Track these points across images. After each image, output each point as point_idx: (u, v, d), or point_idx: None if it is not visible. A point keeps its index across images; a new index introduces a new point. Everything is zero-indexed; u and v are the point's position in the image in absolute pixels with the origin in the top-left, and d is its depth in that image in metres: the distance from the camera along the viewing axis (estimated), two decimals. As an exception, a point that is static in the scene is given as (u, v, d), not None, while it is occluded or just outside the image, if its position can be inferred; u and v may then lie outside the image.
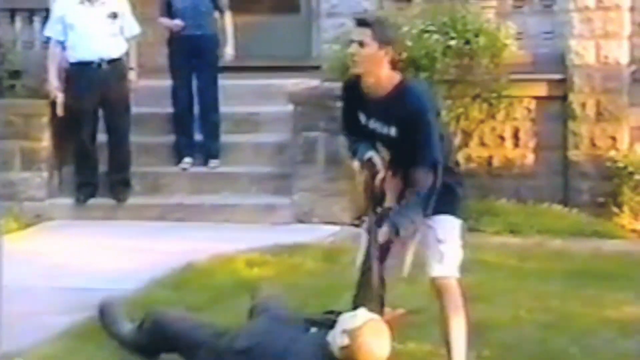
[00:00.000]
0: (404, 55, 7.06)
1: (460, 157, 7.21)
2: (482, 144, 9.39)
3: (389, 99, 4.69)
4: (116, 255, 7.58)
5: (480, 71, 8.85)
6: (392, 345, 4.54)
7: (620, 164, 8.94)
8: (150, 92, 9.41)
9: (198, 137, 9.44)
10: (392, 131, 4.68)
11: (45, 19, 9.36)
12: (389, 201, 4.81)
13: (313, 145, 8.80)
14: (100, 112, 9.06)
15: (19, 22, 9.83)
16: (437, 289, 4.83)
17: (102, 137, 9.12)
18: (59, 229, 8.78)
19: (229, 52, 9.42)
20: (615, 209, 8.86)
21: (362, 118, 4.79)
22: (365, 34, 4.67)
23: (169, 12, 9.32)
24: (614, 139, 9.17)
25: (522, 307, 6.11)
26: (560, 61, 9.28)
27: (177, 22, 9.23)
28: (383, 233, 4.70)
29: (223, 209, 8.87)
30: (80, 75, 8.87)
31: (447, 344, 4.86)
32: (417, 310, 5.24)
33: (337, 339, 4.49)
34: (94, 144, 9.10)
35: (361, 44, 4.67)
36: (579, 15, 9.19)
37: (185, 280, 6.72)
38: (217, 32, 9.39)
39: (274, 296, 5.33)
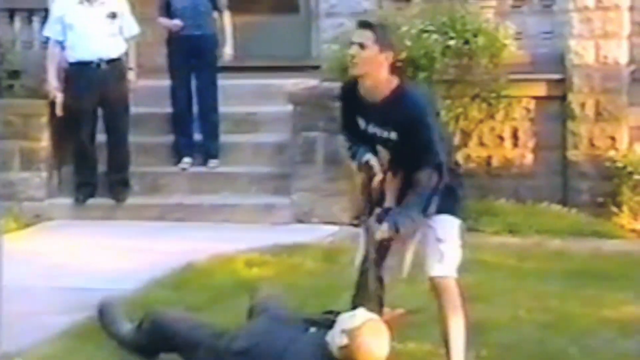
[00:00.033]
0: (403, 57, 7.07)
1: (459, 157, 7.21)
2: (481, 143, 9.39)
3: (386, 104, 4.70)
4: (115, 255, 7.58)
5: (480, 71, 8.85)
6: (391, 345, 4.54)
7: (620, 164, 8.94)
8: (149, 92, 9.41)
9: (197, 137, 9.44)
10: (392, 135, 4.70)
11: (45, 19, 9.36)
12: (389, 202, 4.82)
13: (312, 145, 8.81)
14: (100, 112, 9.06)
15: (18, 22, 9.83)
16: (436, 289, 4.83)
17: (101, 137, 9.12)
18: (58, 229, 8.78)
19: (227, 52, 9.42)
20: (614, 209, 8.86)
21: (361, 123, 4.80)
22: (367, 37, 4.68)
23: (168, 12, 9.32)
24: (613, 138, 9.17)
25: (521, 307, 6.11)
26: (559, 61, 9.28)
27: (176, 22, 9.23)
28: (383, 231, 4.70)
29: (222, 209, 8.87)
30: (79, 75, 8.87)
31: (446, 343, 4.87)
32: (416, 310, 5.23)
33: (336, 338, 4.49)
34: (93, 144, 9.10)
35: (362, 46, 4.67)
36: (578, 15, 9.19)
37: (185, 280, 6.72)
38: (216, 32, 9.39)
39: (273, 296, 5.33)
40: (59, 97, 8.89)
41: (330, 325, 4.57)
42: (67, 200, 9.16)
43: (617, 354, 5.41)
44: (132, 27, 9.10)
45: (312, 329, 4.72)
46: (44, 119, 9.22)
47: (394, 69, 4.72)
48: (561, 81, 9.28)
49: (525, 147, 9.40)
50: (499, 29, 9.00)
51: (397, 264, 4.94)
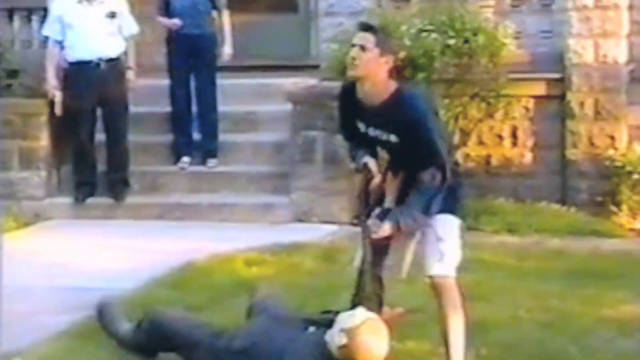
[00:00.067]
0: (403, 58, 7.07)
1: (458, 156, 7.22)
2: (481, 143, 9.39)
3: (385, 107, 4.71)
4: (115, 254, 7.58)
5: (479, 70, 8.85)
6: (391, 344, 4.54)
7: (619, 163, 8.94)
8: (148, 91, 9.41)
9: (196, 136, 9.44)
10: (392, 137, 4.71)
11: (44, 18, 9.35)
12: (389, 202, 4.82)
13: (312, 145, 8.80)
14: (99, 112, 9.05)
15: (17, 21, 9.82)
16: (436, 288, 4.83)
17: (100, 136, 9.12)
18: (57, 228, 8.77)
19: (227, 51, 9.42)
20: (613, 208, 8.86)
21: (361, 126, 4.81)
22: (368, 40, 4.70)
23: (167, 11, 9.32)
24: (612, 138, 9.17)
25: (520, 306, 6.12)
26: (558, 60, 9.28)
27: (176, 21, 9.23)
28: (385, 228, 4.71)
29: (222, 208, 8.87)
30: (78, 74, 8.87)
31: (445, 342, 4.87)
32: (416, 309, 5.24)
33: (335, 338, 4.49)
34: (92, 143, 9.09)
35: (363, 48, 4.68)
36: (577, 14, 9.19)
37: (184, 279, 6.72)
38: (215, 31, 9.39)
39: (272, 295, 5.33)
40: (58, 97, 8.89)
41: (329, 324, 4.57)
42: (66, 200, 9.15)
43: (616, 353, 5.41)
44: (132, 27, 9.09)
45: (312, 329, 4.72)
46: (43, 118, 9.21)
47: (393, 73, 4.73)
48: (560, 80, 9.28)
49: (525, 146, 9.40)
50: (498, 28, 9.00)
51: (396, 263, 4.94)
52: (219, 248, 7.41)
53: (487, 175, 9.25)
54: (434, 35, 8.75)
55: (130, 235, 8.25)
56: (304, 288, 6.38)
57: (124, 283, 6.53)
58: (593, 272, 6.98)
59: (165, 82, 9.41)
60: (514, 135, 9.41)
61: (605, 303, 6.24)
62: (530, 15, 9.54)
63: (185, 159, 9.32)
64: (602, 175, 9.05)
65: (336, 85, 7.69)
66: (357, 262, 4.92)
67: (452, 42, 8.73)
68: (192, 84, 9.34)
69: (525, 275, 6.97)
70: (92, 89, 8.83)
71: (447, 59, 8.73)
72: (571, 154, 9.23)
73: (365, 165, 4.81)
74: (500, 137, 9.41)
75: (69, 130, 9.06)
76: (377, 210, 4.79)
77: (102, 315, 5.27)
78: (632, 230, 8.75)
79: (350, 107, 4.85)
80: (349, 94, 4.84)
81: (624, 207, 8.85)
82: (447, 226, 4.84)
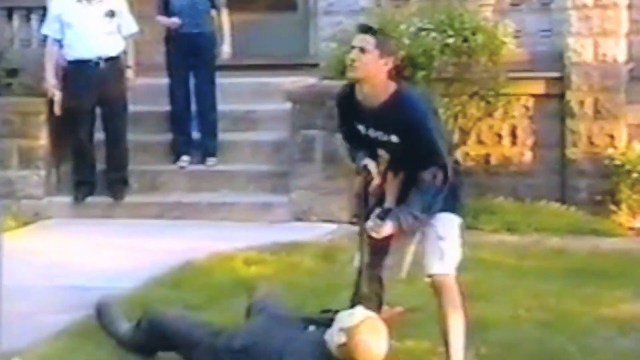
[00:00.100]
0: (402, 58, 7.09)
1: (458, 155, 7.21)
2: (480, 142, 9.39)
3: (385, 108, 4.72)
4: (114, 253, 7.57)
5: (478, 69, 8.86)
6: (390, 343, 4.54)
7: (618, 162, 8.94)
8: (147, 90, 9.40)
9: (196, 135, 9.44)
10: (393, 138, 4.72)
11: (43, 17, 9.35)
12: (389, 202, 4.83)
13: (311, 143, 8.80)
14: (98, 111, 9.05)
15: (16, 20, 9.82)
16: (436, 287, 4.83)
17: (99, 135, 9.12)
18: (56, 227, 8.77)
19: (226, 50, 9.42)
20: (613, 207, 8.86)
21: (361, 128, 4.82)
22: (368, 41, 4.71)
23: (166, 10, 9.32)
24: (611, 136, 9.17)
25: (520, 305, 6.12)
26: (558, 59, 9.28)
27: (175, 20, 9.23)
28: (386, 227, 4.71)
29: (221, 207, 8.87)
30: (77, 73, 8.86)
31: (445, 341, 4.87)
32: (415, 308, 5.24)
33: (334, 337, 4.49)
34: (91, 142, 9.09)
35: (362, 50, 4.69)
36: (576, 13, 9.19)
37: (183, 278, 6.72)
38: (214, 30, 9.39)
39: (271, 295, 5.33)
40: (57, 96, 8.88)
41: (329, 323, 4.57)
42: (65, 199, 9.15)
43: (615, 352, 5.41)
44: (131, 26, 9.09)
45: (311, 328, 4.72)
46: (42, 117, 9.20)
47: (393, 74, 4.74)
48: (560, 79, 9.28)
49: (524, 145, 9.40)
50: (498, 27, 9.00)
51: (397, 263, 4.94)
52: (218, 247, 7.40)
53: (486, 174, 9.24)
54: (433, 34, 8.75)
55: (130, 234, 8.25)
56: (304, 287, 6.38)
57: (124, 282, 6.53)
58: (592, 271, 6.98)
59: (165, 81, 9.40)
60: (513, 134, 9.41)
61: (605, 302, 6.24)
62: (529, 14, 9.54)
63: (185, 158, 9.32)
64: (602, 174, 9.05)
65: (335, 84, 7.71)
66: (356, 262, 4.92)
67: (451, 41, 8.73)
68: (192, 82, 9.34)
69: (524, 274, 6.97)
70: (92, 88, 8.83)
71: (447, 57, 8.73)
72: (570, 153, 9.23)
73: (365, 167, 4.82)
74: (499, 136, 9.41)
75: (68, 129, 9.06)
76: (377, 210, 4.79)
77: (101, 314, 5.27)
78: (631, 229, 8.75)
79: (349, 109, 4.86)
80: (348, 96, 4.85)
81: (624, 206, 8.85)
82: (448, 225, 4.84)
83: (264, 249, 7.46)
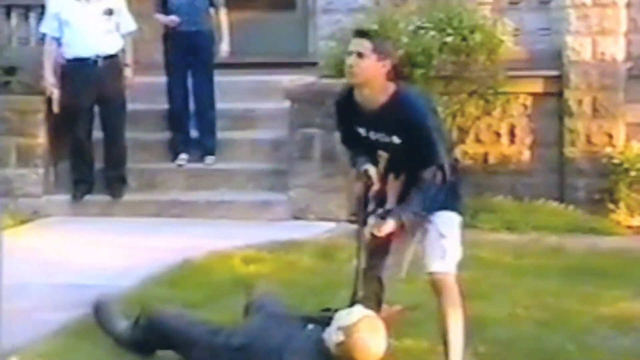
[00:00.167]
0: (400, 56, 7.09)
1: (456, 153, 7.21)
2: (478, 140, 9.39)
3: (385, 109, 4.72)
4: (112, 252, 7.57)
5: (477, 68, 8.86)
6: (389, 342, 4.54)
7: (616, 161, 8.95)
8: (146, 88, 9.39)
9: (194, 133, 9.43)
10: (395, 139, 4.73)
11: (41, 15, 9.34)
12: (390, 204, 4.83)
13: (309, 142, 8.80)
14: (96, 109, 9.04)
15: (14, 19, 9.81)
16: (436, 285, 4.82)
17: (98, 133, 9.11)
18: (55, 225, 8.77)
19: (224, 48, 9.42)
20: (611, 206, 8.87)
21: (361, 131, 4.82)
22: (365, 46, 4.71)
23: (165, 8, 9.31)
24: (610, 135, 9.18)
25: (518, 304, 6.12)
26: (556, 58, 9.29)
27: (173, 18, 9.22)
28: (387, 225, 4.71)
29: (219, 205, 8.86)
30: (76, 71, 8.85)
31: (444, 340, 4.86)
32: (414, 307, 5.23)
33: (332, 335, 4.50)
34: (89, 140, 9.08)
35: (360, 55, 4.69)
36: (575, 11, 9.20)
37: (182, 277, 6.71)
38: (212, 28, 9.38)
39: (270, 293, 5.33)
40: (56, 94, 8.87)
41: (327, 322, 4.57)
42: (64, 197, 9.14)
43: (614, 351, 5.41)
44: (129, 24, 9.08)
45: (310, 326, 4.72)
46: (41, 116, 9.19)
47: (391, 74, 4.74)
48: (558, 78, 9.29)
49: (522, 143, 9.41)
50: (496, 26, 9.01)
51: (396, 262, 4.94)
52: (217, 245, 7.40)
53: (484, 172, 9.25)
54: (431, 32, 8.75)
55: (128, 232, 8.24)
56: (302, 285, 6.38)
57: (122, 280, 6.52)
58: (591, 269, 6.98)
59: (163, 79, 9.40)
60: (511, 132, 9.41)
61: (603, 301, 6.24)
62: (528, 12, 9.54)
63: (183, 156, 9.32)
64: (600, 173, 9.06)
65: (334, 82, 7.73)
66: (355, 261, 4.91)
67: (450, 39, 8.74)
68: (190, 81, 9.33)
69: (523, 272, 6.97)
70: (90, 86, 8.82)
71: (445, 56, 8.74)
72: (569, 151, 9.24)
73: (366, 172, 4.82)
74: (498, 134, 9.41)
75: (66, 127, 9.05)
76: (379, 211, 4.79)
77: (99, 312, 5.26)
78: (629, 227, 8.77)
79: (349, 113, 4.87)
80: (347, 100, 4.86)
81: (622, 204, 8.86)
82: (449, 223, 4.84)
83: (262, 247, 7.45)
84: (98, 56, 8.83)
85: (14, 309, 5.55)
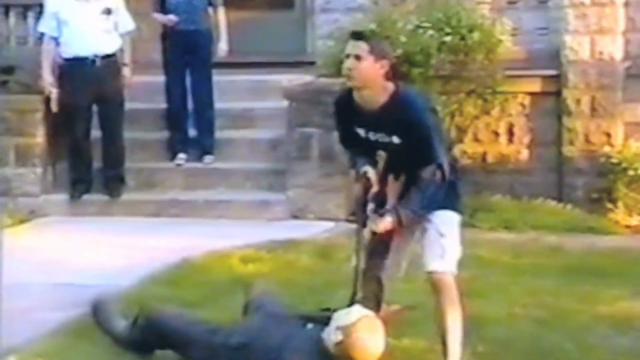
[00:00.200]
0: (398, 56, 7.09)
1: (455, 152, 7.22)
2: (477, 139, 9.39)
3: (385, 110, 4.73)
4: (110, 251, 7.57)
5: (475, 67, 8.86)
6: (387, 341, 4.54)
7: (615, 160, 8.96)
8: (144, 88, 9.38)
9: (192, 133, 9.43)
10: (395, 139, 4.73)
11: (39, 14, 9.34)
12: (390, 205, 4.82)
13: (308, 141, 8.80)
14: (95, 108, 9.04)
15: (12, 18, 9.81)
16: (434, 284, 4.82)
17: (96, 133, 9.10)
18: (53, 225, 8.76)
19: (222, 47, 9.41)
20: (609, 205, 8.87)
21: (361, 132, 4.82)
22: (362, 48, 4.72)
23: (163, 7, 9.31)
24: (608, 135, 9.19)
25: (516, 303, 6.12)
26: (555, 57, 9.29)
27: (171, 17, 9.21)
28: (386, 221, 4.71)
29: (218, 205, 8.86)
30: (74, 71, 8.85)
31: (443, 339, 4.86)
32: (412, 307, 5.24)
33: (331, 335, 4.50)
34: (88, 139, 9.07)
35: (358, 57, 4.70)
36: (573, 11, 9.20)
37: (180, 276, 6.71)
38: (210, 27, 9.38)
39: (269, 293, 5.33)
40: (54, 93, 8.87)
41: (326, 322, 4.57)
42: (62, 196, 9.14)
43: (612, 350, 5.41)
44: (127, 23, 9.08)
45: (309, 325, 4.72)
46: (39, 115, 9.19)
47: (390, 74, 4.75)
48: (556, 77, 9.29)
49: (521, 143, 9.41)
50: (495, 25, 9.01)
51: (395, 262, 4.94)
52: (215, 245, 7.40)
53: (483, 172, 9.25)
54: (430, 32, 8.75)
55: (126, 232, 8.24)
56: (300, 285, 6.38)
57: (120, 280, 6.52)
58: (589, 269, 6.98)
59: (161, 78, 9.40)
60: (510, 132, 9.41)
61: (601, 300, 6.24)
62: (526, 11, 9.55)
63: (182, 155, 9.32)
64: (598, 172, 9.07)
65: (332, 81, 7.73)
66: (354, 261, 4.91)
67: (448, 38, 8.74)
68: (188, 80, 9.33)
69: (521, 272, 6.97)
70: (88, 85, 8.81)
71: (444, 55, 8.74)
72: (567, 151, 9.24)
73: (365, 174, 4.82)
74: (496, 134, 9.42)
75: (64, 127, 9.05)
76: (381, 211, 4.79)
77: (98, 312, 5.26)
78: (628, 227, 8.77)
79: (348, 115, 4.87)
80: (345, 103, 4.87)
81: (620, 204, 8.86)
82: (448, 222, 4.85)
83: (261, 246, 7.45)
84: (96, 55, 8.83)
85: (13, 309, 5.54)
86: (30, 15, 9.70)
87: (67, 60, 8.89)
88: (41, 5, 9.29)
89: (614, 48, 9.20)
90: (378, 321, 4.54)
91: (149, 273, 6.70)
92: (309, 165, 8.79)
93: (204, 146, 9.34)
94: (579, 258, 7.37)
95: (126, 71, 9.08)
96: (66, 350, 5.34)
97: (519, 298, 6.23)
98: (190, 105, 9.37)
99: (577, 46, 9.19)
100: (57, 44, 8.91)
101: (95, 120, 9.09)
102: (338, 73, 5.61)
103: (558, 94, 9.29)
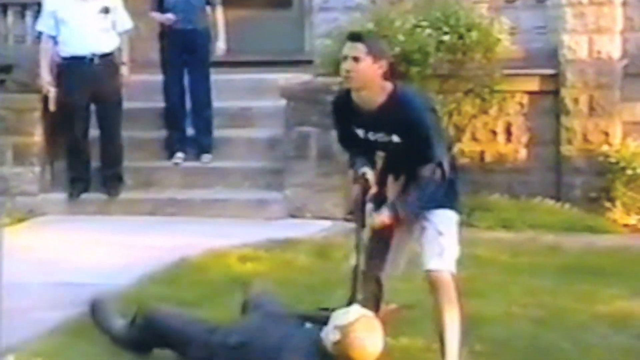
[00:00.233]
0: (396, 56, 7.08)
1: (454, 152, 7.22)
2: (475, 139, 9.39)
3: (384, 109, 4.73)
4: (108, 250, 7.56)
5: (473, 66, 8.86)
6: (385, 341, 4.54)
7: (613, 159, 8.96)
8: (142, 86, 9.38)
9: (190, 132, 9.43)
10: (394, 138, 4.74)
11: (37, 13, 9.34)
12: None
13: (305, 140, 8.80)
14: (92, 107, 9.04)
15: (10, 17, 9.81)
16: (432, 283, 4.82)
17: (94, 132, 9.10)
18: (51, 224, 8.76)
19: (220, 46, 9.41)
20: (607, 204, 8.87)
21: (360, 132, 4.83)
22: (360, 50, 4.72)
23: (161, 6, 9.31)
24: (606, 134, 9.19)
25: (514, 302, 6.12)
26: (553, 56, 9.30)
27: (169, 17, 9.21)
28: (384, 217, 4.71)
29: (215, 204, 8.86)
30: (72, 70, 8.85)
31: (440, 338, 4.86)
32: (410, 306, 5.24)
33: (329, 334, 4.50)
34: (86, 139, 9.08)
35: (356, 59, 4.70)
36: (571, 10, 9.21)
37: (178, 275, 6.71)
38: (209, 26, 9.37)
39: (267, 292, 5.33)
40: (52, 92, 8.87)
41: (325, 321, 4.57)
42: (60, 195, 9.14)
43: (610, 349, 5.41)
44: (125, 22, 9.08)
45: (308, 325, 4.72)
46: (37, 114, 9.19)
47: (388, 75, 4.75)
48: (554, 76, 9.29)
49: (519, 142, 9.41)
50: (493, 24, 9.00)
51: (393, 261, 4.94)
52: (213, 244, 7.39)
53: (481, 171, 9.25)
54: (428, 31, 8.75)
55: (124, 231, 8.24)
56: (298, 284, 6.38)
57: (118, 279, 6.51)
58: (587, 268, 6.98)
59: (159, 77, 9.39)
60: (508, 131, 9.42)
61: (599, 299, 6.24)
62: (524, 11, 9.55)
63: (179, 154, 9.31)
64: (596, 172, 9.07)
65: (330, 81, 7.73)
66: (353, 260, 4.91)
67: (446, 38, 8.73)
68: (186, 79, 9.33)
69: (519, 271, 6.97)
70: (86, 84, 8.81)
71: (442, 54, 8.73)
72: (565, 150, 9.24)
73: (364, 175, 4.82)
74: (494, 133, 9.42)
75: (62, 126, 9.05)
76: (381, 211, 4.79)
77: (96, 311, 5.26)
78: (626, 226, 8.77)
79: (347, 115, 4.87)
80: (343, 103, 4.87)
81: (618, 203, 8.86)
82: (447, 221, 4.85)
83: (258, 245, 7.45)
84: (94, 54, 8.83)
85: (11, 308, 5.52)
86: (28, 14, 9.71)
87: (65, 59, 8.89)
88: (39, 4, 9.30)
89: (612, 47, 9.21)
90: (376, 321, 4.54)
91: (147, 272, 6.70)
92: (307, 164, 8.79)
93: (201, 145, 9.33)
94: (577, 257, 7.37)
95: (124, 70, 9.08)
96: (64, 349, 5.33)
97: (517, 297, 6.23)
98: (188, 104, 9.37)
99: (575, 45, 9.19)
100: (55, 42, 8.91)
101: (93, 119, 9.09)
102: (336, 72, 5.61)
103: (556, 93, 9.29)
